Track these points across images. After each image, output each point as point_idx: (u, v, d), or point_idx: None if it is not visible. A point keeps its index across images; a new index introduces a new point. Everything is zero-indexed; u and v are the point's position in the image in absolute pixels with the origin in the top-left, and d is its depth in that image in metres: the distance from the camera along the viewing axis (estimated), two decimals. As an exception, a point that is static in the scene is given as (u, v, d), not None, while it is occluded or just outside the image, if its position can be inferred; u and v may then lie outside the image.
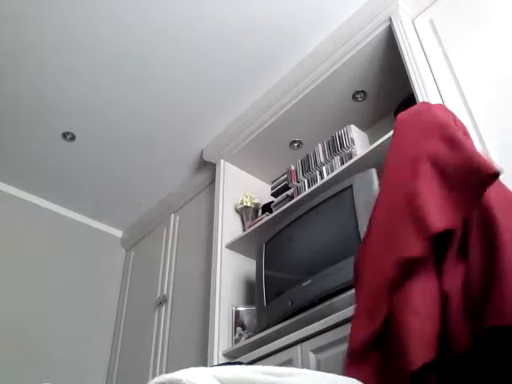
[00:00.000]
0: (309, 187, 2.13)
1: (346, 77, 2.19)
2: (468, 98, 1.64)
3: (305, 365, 1.55)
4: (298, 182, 2.22)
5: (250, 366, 0.53)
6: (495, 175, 0.84)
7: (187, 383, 0.45)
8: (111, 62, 2.28)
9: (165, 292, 2.76)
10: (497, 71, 1.60)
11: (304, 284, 1.73)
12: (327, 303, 1.66)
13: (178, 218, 3.01)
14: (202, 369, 0.50)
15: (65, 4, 2.02)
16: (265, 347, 1.75)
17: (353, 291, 1.60)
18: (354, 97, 2.30)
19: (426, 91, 1.70)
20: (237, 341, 2.08)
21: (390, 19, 1.97)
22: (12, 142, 2.69)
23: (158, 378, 0.49)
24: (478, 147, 1.54)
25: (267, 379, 0.50)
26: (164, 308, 2.70)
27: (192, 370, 0.50)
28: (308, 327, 1.61)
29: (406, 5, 1.98)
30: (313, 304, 1.71)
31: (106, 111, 2.54)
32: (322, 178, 2.10)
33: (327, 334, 1.54)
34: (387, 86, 2.23)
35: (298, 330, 1.73)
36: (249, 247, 2.37)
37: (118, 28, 2.13)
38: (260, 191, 2.69)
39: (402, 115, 1.10)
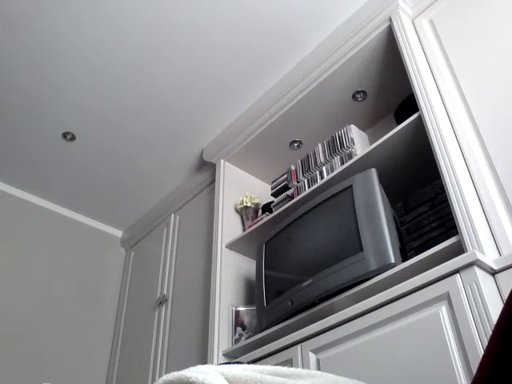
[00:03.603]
0: (309, 187, 2.13)
1: (346, 77, 2.20)
2: (468, 98, 1.64)
3: (305, 365, 1.55)
4: (298, 182, 2.22)
5: (257, 366, 0.52)
6: None
7: (196, 380, 0.45)
8: (111, 62, 2.28)
9: (165, 292, 2.76)
10: (497, 71, 1.60)
11: (304, 284, 1.73)
12: (327, 303, 1.67)
13: (178, 217, 3.01)
14: (209, 366, 0.50)
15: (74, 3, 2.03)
16: (265, 347, 1.75)
17: (353, 291, 1.61)
18: (353, 97, 2.30)
19: (426, 91, 1.70)
20: (237, 341, 2.09)
21: (390, 19, 1.97)
22: (12, 142, 2.69)
23: (166, 376, 0.49)
24: (478, 147, 1.54)
25: (274, 380, 0.49)
26: (164, 308, 2.70)
27: (200, 367, 0.49)
28: (308, 327, 1.61)
29: (405, 5, 1.98)
30: (313, 304, 1.71)
31: (106, 111, 2.54)
32: (322, 178, 2.10)
33: (327, 333, 1.54)
34: (387, 86, 2.23)
35: (298, 330, 1.73)
36: (249, 247, 2.37)
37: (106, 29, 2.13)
38: (260, 191, 2.69)
39: None
